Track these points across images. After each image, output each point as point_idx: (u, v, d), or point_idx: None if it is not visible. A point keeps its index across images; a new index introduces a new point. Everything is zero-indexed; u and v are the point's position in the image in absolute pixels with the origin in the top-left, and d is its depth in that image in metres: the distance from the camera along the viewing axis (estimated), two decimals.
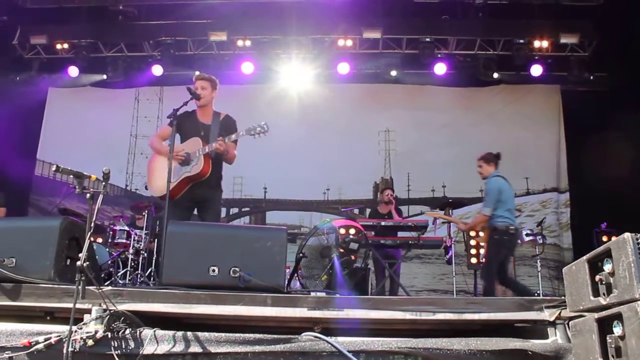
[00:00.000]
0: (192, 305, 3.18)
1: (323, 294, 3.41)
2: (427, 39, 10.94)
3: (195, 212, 5.31)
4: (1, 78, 11.58)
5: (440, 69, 11.08)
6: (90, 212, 3.19)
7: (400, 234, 8.16)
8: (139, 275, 7.88)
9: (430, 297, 3.39)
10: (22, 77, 11.95)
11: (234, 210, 11.82)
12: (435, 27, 11.01)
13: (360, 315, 3.18)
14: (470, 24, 10.86)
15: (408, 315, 3.19)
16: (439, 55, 11.16)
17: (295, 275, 4.66)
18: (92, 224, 3.17)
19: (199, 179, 5.03)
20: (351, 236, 5.69)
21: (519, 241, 8.56)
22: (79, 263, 3.03)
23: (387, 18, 10.93)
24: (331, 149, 11.54)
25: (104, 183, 3.23)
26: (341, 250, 6.00)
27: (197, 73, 5.90)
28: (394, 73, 11.38)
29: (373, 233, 7.53)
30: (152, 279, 7.88)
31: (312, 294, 3.43)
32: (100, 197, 3.23)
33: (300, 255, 4.55)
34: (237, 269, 3.38)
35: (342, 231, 6.37)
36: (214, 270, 3.41)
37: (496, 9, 10.72)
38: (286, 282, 4.00)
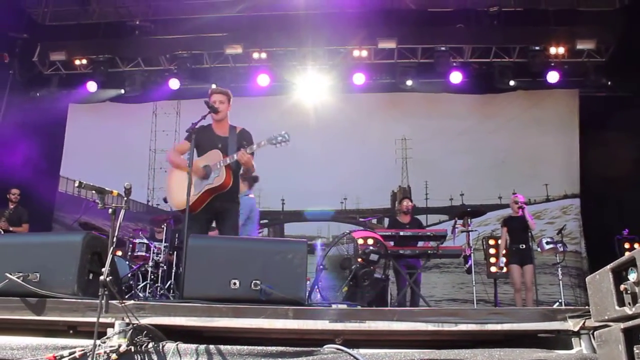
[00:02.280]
0: (214, 318, 3.19)
1: (344, 306, 3.40)
2: (442, 48, 10.93)
3: (213, 223, 5.33)
4: (22, 94, 11.75)
5: (455, 77, 11.05)
6: (112, 227, 3.22)
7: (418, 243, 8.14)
8: (158, 288, 7.91)
9: (452, 308, 3.38)
10: (42, 93, 12.14)
11: None
12: (450, 36, 11.01)
13: (382, 327, 3.17)
14: (485, 32, 10.86)
15: (430, 327, 3.18)
16: (455, 64, 11.15)
17: (316, 287, 4.66)
18: (115, 239, 3.19)
19: (221, 191, 5.04)
20: (371, 247, 5.67)
21: (539, 249, 8.51)
22: (102, 278, 3.06)
23: (402, 28, 10.95)
24: (348, 159, 11.54)
25: (125, 198, 3.26)
26: (359, 260, 6.01)
27: (214, 87, 5.94)
28: (409, 82, 11.36)
29: (392, 243, 7.51)
30: (171, 292, 7.91)
31: (334, 306, 3.42)
32: (122, 212, 3.26)
33: (321, 267, 4.55)
34: (258, 282, 3.39)
35: (361, 242, 6.38)
36: (235, 284, 3.42)
37: (511, 16, 10.72)
38: (307, 294, 4.00)
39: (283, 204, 11.71)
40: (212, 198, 5.09)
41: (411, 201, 9.06)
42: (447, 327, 3.20)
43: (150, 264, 7.95)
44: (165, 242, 8.32)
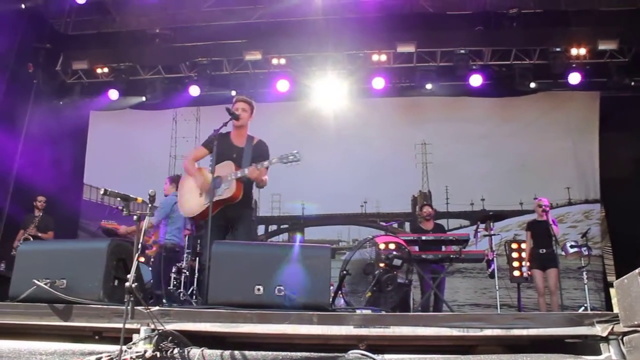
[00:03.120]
0: (239, 324, 3.20)
1: (369, 311, 3.40)
2: (462, 51, 10.87)
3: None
4: (46, 103, 11.92)
5: (475, 80, 10.99)
6: (137, 234, 3.25)
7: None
8: (181, 294, 7.95)
9: (477, 313, 3.35)
10: (66, 102, 12.32)
11: (273, 227, 11.88)
12: (470, 39, 10.93)
13: (407, 332, 3.15)
14: (504, 34, 10.79)
15: (455, 332, 3.15)
16: (474, 67, 11.09)
17: (340, 292, 4.65)
18: (140, 246, 3.22)
19: (230, 202, 5.05)
20: (394, 252, 5.65)
21: (563, 253, 8.40)
22: (127, 284, 3.09)
23: (421, 31, 10.92)
24: (368, 163, 11.52)
25: (150, 205, 3.29)
26: (381, 265, 5.99)
27: (234, 93, 5.95)
28: (429, 86, 11.32)
29: (416, 248, 7.48)
30: (194, 297, 7.95)
31: (358, 311, 3.42)
32: (147, 218, 3.29)
33: (344, 272, 4.54)
34: (282, 287, 3.40)
35: (383, 246, 6.36)
36: (259, 289, 3.43)
37: (531, 18, 10.63)
38: (330, 300, 4.00)
39: (303, 209, 11.71)
40: (224, 207, 5.10)
41: (432, 207, 9.03)
42: (472, 333, 3.17)
43: (173, 270, 7.99)
44: (187, 249, 8.36)
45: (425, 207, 9.03)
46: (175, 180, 7.61)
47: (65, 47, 11.97)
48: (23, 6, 10.48)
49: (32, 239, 8.31)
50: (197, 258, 8.23)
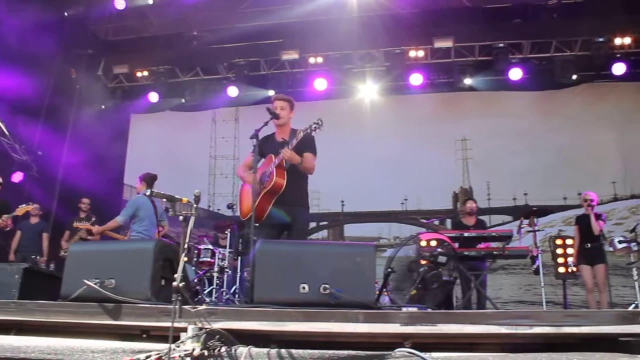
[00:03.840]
0: (285, 322, 3.20)
1: (415, 309, 3.36)
2: (500, 45, 10.74)
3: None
4: (89, 107, 12.20)
5: (515, 74, 10.82)
6: (183, 234, 3.29)
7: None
8: (224, 293, 8.04)
9: (526, 310, 3.28)
10: (107, 106, 12.58)
11: (312, 224, 11.90)
12: (508, 32, 10.79)
13: (454, 330, 3.11)
14: (544, 25, 10.57)
15: (503, 330, 3.09)
16: (514, 60, 10.93)
17: (384, 290, 4.62)
18: (186, 246, 3.26)
19: (277, 191, 5.00)
20: (438, 249, 5.58)
21: (612, 249, 8.18)
22: (175, 283, 3.13)
23: (458, 26, 10.80)
24: (407, 160, 11.46)
25: (195, 205, 3.32)
26: (422, 262, 5.93)
27: (272, 93, 5.96)
28: (467, 81, 11.20)
29: (457, 244, 7.37)
30: (236, 296, 8.03)
31: (404, 309, 3.38)
32: (192, 219, 3.32)
33: (389, 270, 4.51)
34: (327, 285, 3.38)
35: (424, 244, 6.30)
36: (304, 288, 3.42)
37: (571, 8, 10.38)
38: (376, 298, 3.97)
39: (342, 206, 11.71)
40: (276, 203, 5.09)
41: (475, 202, 8.89)
42: (521, 330, 3.10)
43: (216, 269, 8.09)
44: (229, 248, 8.45)
45: (468, 201, 8.90)
46: (146, 179, 7.74)
47: (106, 52, 12.27)
48: (66, 14, 10.75)
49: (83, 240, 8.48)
50: (239, 257, 8.33)
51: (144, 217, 7.32)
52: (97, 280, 3.58)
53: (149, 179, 7.73)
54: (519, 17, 10.70)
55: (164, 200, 3.48)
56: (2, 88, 9.80)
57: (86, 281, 3.56)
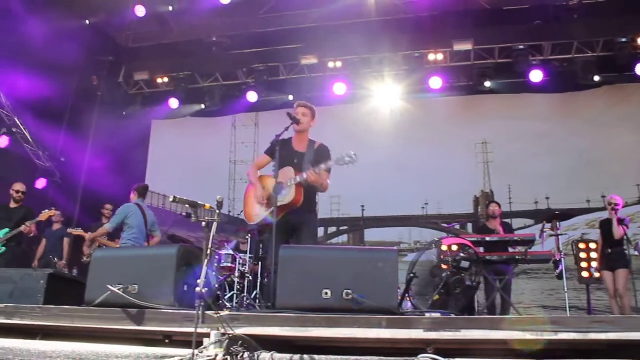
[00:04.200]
0: (308, 328, 3.20)
1: (438, 315, 3.33)
2: (521, 47, 10.65)
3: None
4: (111, 114, 12.33)
5: (536, 76, 10.73)
6: (206, 240, 3.31)
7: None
8: (245, 298, 8.05)
9: (551, 316, 3.23)
10: (129, 112, 12.72)
11: (332, 229, 11.90)
12: (528, 34, 10.68)
13: (478, 336, 3.08)
14: (565, 27, 10.43)
15: (528, 336, 3.05)
16: (534, 62, 10.83)
17: (407, 295, 4.60)
18: (209, 251, 3.27)
19: (292, 208, 5.04)
20: (461, 254, 5.54)
21: (637, 253, 8.05)
22: (198, 289, 3.15)
23: (477, 28, 10.73)
24: (428, 164, 11.41)
25: (217, 211, 3.34)
26: (444, 267, 5.89)
27: (291, 98, 5.94)
28: (487, 84, 11.12)
29: (481, 249, 7.31)
30: (257, 302, 8.03)
31: (427, 314, 3.35)
32: (215, 224, 3.33)
33: (411, 275, 4.48)
34: (349, 291, 3.38)
35: (445, 248, 6.26)
36: (326, 293, 3.42)
37: (593, 8, 10.22)
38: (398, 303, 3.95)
39: (363, 210, 11.69)
40: (287, 213, 5.09)
41: (498, 205, 8.80)
42: (546, 336, 3.06)
43: (236, 274, 8.10)
44: (250, 253, 8.46)
45: (491, 204, 8.81)
46: (138, 190, 8.00)
47: (127, 59, 12.40)
48: (87, 22, 10.88)
49: (104, 247, 8.57)
50: (260, 262, 8.34)
51: (133, 225, 7.51)
52: (121, 286, 3.61)
53: (142, 190, 8.02)
54: (540, 19, 10.58)
55: (187, 206, 3.49)
56: (26, 95, 9.97)
57: (110, 287, 3.60)
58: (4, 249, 7.74)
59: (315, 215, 5.44)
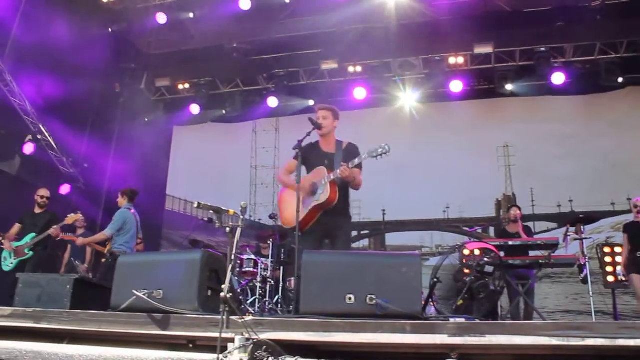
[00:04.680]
0: (332, 333, 3.19)
1: (462, 320, 3.32)
2: (542, 49, 10.58)
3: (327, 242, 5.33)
4: (133, 121, 12.49)
5: (558, 78, 10.64)
6: (230, 245, 3.33)
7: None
8: (267, 303, 8.08)
9: (577, 322, 3.18)
10: (151, 118, 12.85)
11: (353, 233, 11.85)
12: (550, 36, 10.58)
13: (503, 342, 3.05)
14: (588, 28, 10.31)
15: (554, 341, 3.02)
16: (556, 65, 10.74)
17: (430, 300, 4.57)
18: (233, 257, 3.29)
19: (328, 207, 5.03)
20: (485, 259, 5.50)
21: None
22: (222, 294, 3.16)
23: (498, 31, 10.68)
24: (449, 167, 11.34)
25: (242, 217, 3.36)
26: (466, 271, 5.86)
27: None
28: (509, 87, 11.06)
29: (503, 253, 7.24)
30: (279, 306, 8.06)
31: (451, 319, 3.34)
32: (239, 230, 3.35)
33: (435, 280, 4.46)
34: (373, 296, 3.38)
35: (467, 252, 6.22)
36: (350, 298, 3.42)
37: (616, 8, 10.08)
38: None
39: (384, 214, 11.65)
40: (322, 215, 5.09)
41: (519, 209, 8.72)
42: (573, 342, 3.02)
43: (258, 279, 8.14)
44: (271, 258, 8.49)
45: (512, 208, 8.73)
46: (127, 193, 8.07)
47: (148, 66, 12.54)
48: (110, 30, 11.03)
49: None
50: (282, 267, 8.36)
51: (128, 230, 7.68)
52: (146, 291, 3.64)
53: (130, 193, 8.11)
54: (561, 20, 10.46)
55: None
56: (51, 102, 10.14)
57: (135, 292, 3.63)
58: (31, 253, 7.91)
59: (349, 219, 5.39)
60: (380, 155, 4.84)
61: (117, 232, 7.63)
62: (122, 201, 8.04)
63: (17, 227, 8.02)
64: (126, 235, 7.66)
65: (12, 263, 7.80)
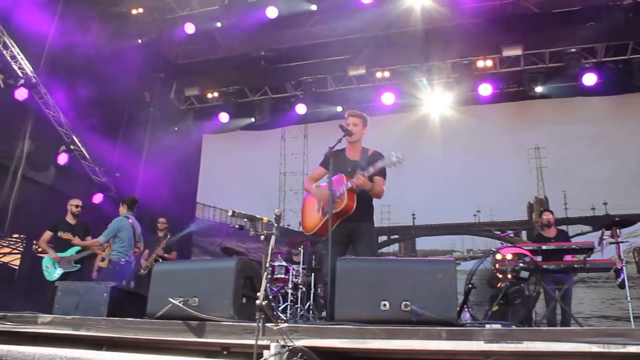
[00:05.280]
0: (367, 340, 3.19)
1: (498, 326, 3.28)
2: (572, 50, 10.42)
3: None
4: (163, 130, 12.64)
5: (589, 79, 10.47)
6: (265, 253, 3.35)
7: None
8: (298, 309, 8.09)
9: (618, 328, 3.12)
10: (180, 127, 13.00)
11: (383, 238, 11.82)
12: (580, 36, 10.39)
13: (541, 348, 3.00)
14: (619, 27, 10.11)
15: (594, 348, 2.96)
16: (587, 65, 10.57)
17: (465, 306, 4.53)
18: (268, 264, 3.31)
19: (346, 214, 5.04)
20: (520, 264, 5.43)
21: None
22: (258, 302, 3.19)
23: (527, 33, 10.58)
24: (479, 171, 11.22)
25: (276, 225, 3.38)
26: (500, 275, 5.78)
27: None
28: (539, 89, 10.91)
29: (539, 258, 7.13)
30: (310, 312, 8.07)
31: (487, 326, 3.30)
32: (273, 237, 3.37)
33: (470, 286, 4.42)
34: (408, 302, 3.36)
35: (500, 257, 6.14)
36: (385, 305, 3.42)
37: None
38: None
39: (414, 219, 11.59)
40: (343, 220, 5.09)
41: (551, 213, 8.59)
42: (613, 349, 2.96)
43: (290, 285, 8.16)
44: (302, 264, 8.51)
45: (544, 213, 8.60)
46: (127, 202, 8.41)
47: (177, 75, 12.72)
48: (139, 41, 11.20)
49: (160, 260, 8.79)
50: (313, 273, 8.37)
51: (124, 238, 7.92)
52: (181, 299, 3.69)
53: (130, 202, 8.40)
54: (592, 20, 10.29)
55: (246, 220, 3.54)
56: (83, 113, 10.35)
57: (171, 300, 3.68)
58: (78, 266, 8.07)
59: (372, 224, 5.37)
60: (394, 164, 4.81)
61: (112, 239, 7.90)
62: (121, 209, 8.34)
63: (48, 234, 8.12)
64: (122, 243, 7.92)
65: (57, 274, 7.92)
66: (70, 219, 8.34)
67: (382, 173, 5.17)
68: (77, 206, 8.40)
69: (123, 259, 7.90)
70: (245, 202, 11.64)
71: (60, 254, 8.01)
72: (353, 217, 5.10)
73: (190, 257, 12.09)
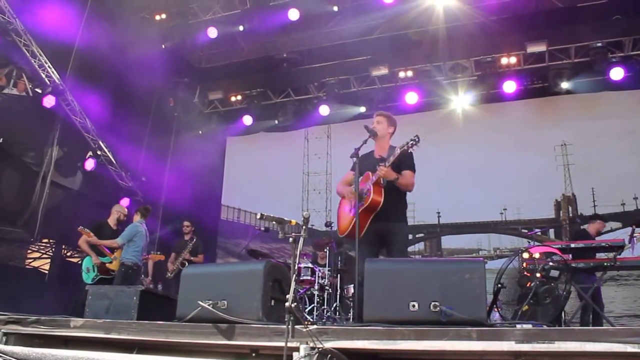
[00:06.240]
0: (396, 341, 3.17)
1: (529, 326, 3.24)
2: (599, 44, 10.26)
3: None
4: (187, 133, 12.76)
5: (616, 73, 10.29)
6: (293, 255, 3.36)
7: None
8: (325, 311, 8.09)
9: None
10: (204, 131, 13.10)
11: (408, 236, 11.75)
12: (606, 30, 10.25)
13: (573, 348, 2.96)
14: None
15: (629, 348, 2.90)
16: (614, 60, 10.38)
17: (494, 306, 4.49)
18: (296, 267, 3.31)
19: (375, 209, 4.98)
20: (551, 263, 5.36)
21: None
22: (287, 304, 3.19)
23: (551, 29, 10.45)
24: (505, 168, 11.11)
25: (304, 227, 3.38)
26: (528, 275, 5.71)
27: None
28: (564, 85, 10.76)
29: (570, 256, 7.02)
30: (337, 314, 8.06)
31: (518, 326, 3.27)
32: (301, 240, 3.38)
33: (499, 285, 4.38)
34: (437, 303, 3.34)
35: (527, 255, 6.07)
36: (414, 306, 3.40)
37: None
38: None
39: (439, 217, 11.51)
40: (375, 219, 5.04)
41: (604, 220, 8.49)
42: None
43: (316, 287, 8.16)
44: (328, 266, 8.51)
45: (596, 222, 8.58)
46: (140, 211, 8.82)
47: (201, 79, 12.84)
48: (163, 46, 11.32)
49: (187, 264, 8.88)
50: (339, 275, 8.36)
51: (139, 243, 8.28)
52: (210, 302, 3.71)
53: (144, 211, 8.81)
54: (618, 14, 10.13)
55: (273, 222, 3.55)
56: (109, 119, 10.49)
57: (200, 303, 3.70)
58: (114, 273, 8.23)
59: (405, 224, 5.32)
60: (411, 146, 4.79)
61: (127, 243, 8.19)
62: (136, 217, 8.70)
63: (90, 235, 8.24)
64: (137, 248, 8.26)
65: (94, 279, 8.05)
66: (113, 223, 8.56)
67: (410, 166, 5.17)
68: (124, 214, 8.76)
69: (136, 265, 8.20)
70: (270, 202, 11.71)
71: (102, 259, 8.16)
72: (384, 215, 5.02)
73: (215, 259, 12.18)
